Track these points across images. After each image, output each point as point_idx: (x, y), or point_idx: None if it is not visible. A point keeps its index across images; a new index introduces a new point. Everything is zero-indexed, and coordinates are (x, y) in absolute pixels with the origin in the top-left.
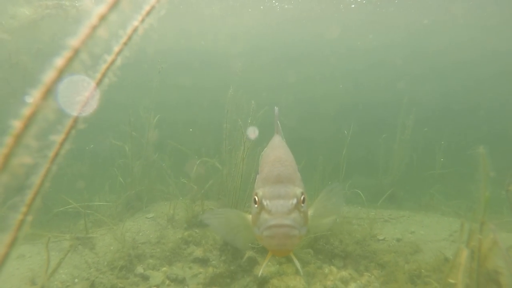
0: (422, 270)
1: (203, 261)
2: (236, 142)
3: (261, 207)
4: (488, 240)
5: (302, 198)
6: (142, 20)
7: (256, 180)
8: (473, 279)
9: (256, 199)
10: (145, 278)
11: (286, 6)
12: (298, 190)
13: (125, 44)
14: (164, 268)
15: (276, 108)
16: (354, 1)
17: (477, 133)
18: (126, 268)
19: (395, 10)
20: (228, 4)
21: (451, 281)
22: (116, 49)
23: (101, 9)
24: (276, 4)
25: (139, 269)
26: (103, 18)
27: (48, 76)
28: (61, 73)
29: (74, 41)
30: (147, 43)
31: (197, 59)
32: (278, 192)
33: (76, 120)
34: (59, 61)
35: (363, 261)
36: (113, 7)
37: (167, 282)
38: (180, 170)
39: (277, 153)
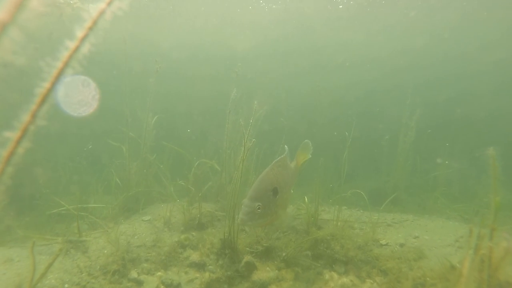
0: (427, 278)
1: (200, 266)
2: (235, 144)
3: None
4: (500, 249)
5: (257, 208)
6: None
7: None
8: None
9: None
10: (139, 283)
11: (274, 6)
12: (257, 204)
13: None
14: (159, 273)
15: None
16: (341, 2)
17: (482, 137)
18: (119, 272)
19: (390, 11)
20: (215, 3)
21: None
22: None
23: None
24: (263, 4)
25: (133, 274)
26: None
27: None
28: None
29: None
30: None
31: (191, 59)
32: (247, 204)
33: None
34: None
35: (365, 266)
36: None
37: (162, 287)
38: (179, 172)
39: (257, 183)
